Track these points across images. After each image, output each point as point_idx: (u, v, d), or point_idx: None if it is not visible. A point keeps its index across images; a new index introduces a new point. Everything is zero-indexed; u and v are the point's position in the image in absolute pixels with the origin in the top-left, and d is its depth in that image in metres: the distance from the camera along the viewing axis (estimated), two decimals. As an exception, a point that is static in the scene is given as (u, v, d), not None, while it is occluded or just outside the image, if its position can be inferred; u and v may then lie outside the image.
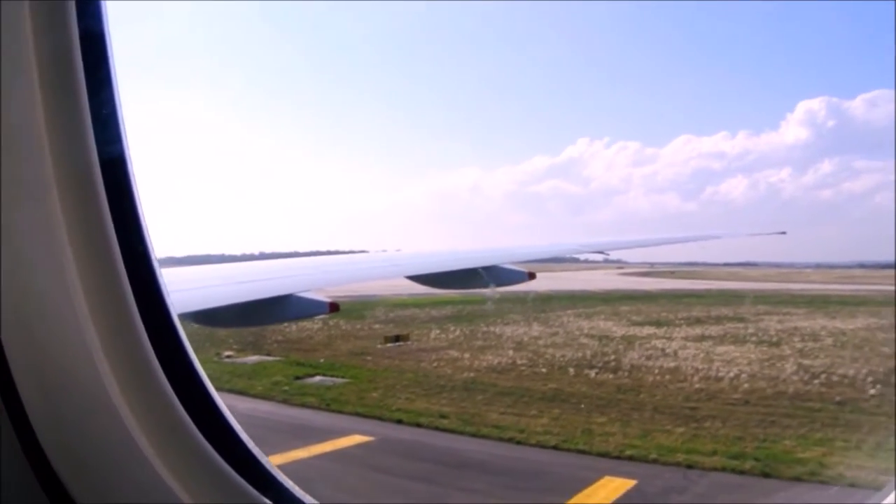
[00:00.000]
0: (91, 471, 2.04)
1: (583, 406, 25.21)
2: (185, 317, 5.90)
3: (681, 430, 22.23)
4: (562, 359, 33.43)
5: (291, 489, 2.41)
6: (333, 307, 7.61)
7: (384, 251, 15.22)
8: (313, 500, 2.47)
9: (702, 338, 40.33)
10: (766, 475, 18.40)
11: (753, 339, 40.15)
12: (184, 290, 6.61)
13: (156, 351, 2.03)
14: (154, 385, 2.03)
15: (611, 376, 29.86)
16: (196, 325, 6.96)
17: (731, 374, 29.85)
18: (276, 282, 8.17)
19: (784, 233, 22.30)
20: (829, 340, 39.50)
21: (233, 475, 2.16)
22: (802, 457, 19.50)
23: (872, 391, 26.99)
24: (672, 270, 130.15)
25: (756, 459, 19.32)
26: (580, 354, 34.52)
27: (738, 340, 39.47)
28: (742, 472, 18.58)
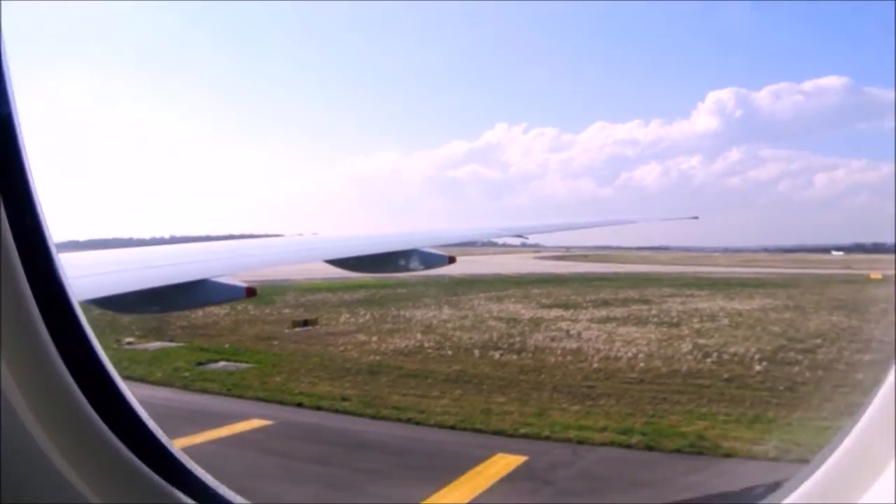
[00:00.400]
0: None
1: (484, 387, 25.68)
2: (89, 303, 5.78)
3: (576, 408, 22.96)
4: (468, 341, 33.96)
5: (206, 480, 2.29)
6: (250, 292, 7.42)
7: (300, 235, 15.07)
8: (229, 491, 2.37)
9: (606, 319, 41.61)
10: (650, 448, 19.22)
11: (655, 320, 41.69)
12: (90, 276, 6.36)
13: (56, 340, 1.87)
14: (54, 377, 1.87)
15: (514, 357, 30.52)
16: (98, 311, 6.61)
17: (630, 354, 30.92)
18: (189, 266, 8.00)
19: (696, 218, 22.91)
20: (726, 321, 41.33)
21: (144, 470, 2.03)
22: (685, 430, 20.44)
23: (758, 367, 28.44)
24: (586, 254, 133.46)
25: (643, 434, 20.15)
26: (487, 337, 35.16)
27: (641, 322, 40.89)
28: (628, 447, 19.35)
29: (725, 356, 30.64)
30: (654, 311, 45.60)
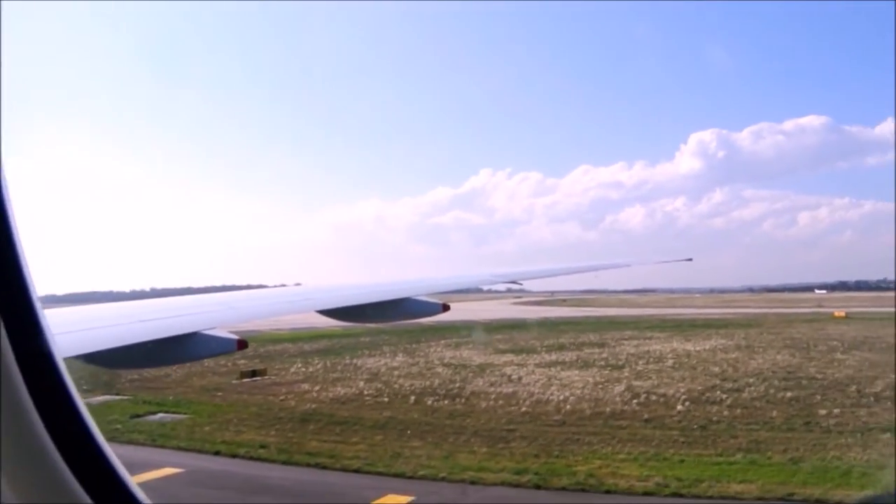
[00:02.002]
0: None
1: (408, 432, 26.51)
2: (78, 359, 5.76)
3: (484, 450, 23.83)
4: (409, 388, 34.90)
5: None
6: (242, 345, 7.30)
7: (283, 286, 14.76)
8: None
9: (553, 364, 42.57)
10: (538, 487, 20.14)
11: (601, 363, 42.67)
12: (80, 331, 6.42)
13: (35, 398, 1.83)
14: (38, 445, 1.85)
15: (446, 403, 31.41)
16: (92, 367, 6.64)
17: (561, 398, 31.83)
18: (180, 319, 7.86)
19: (690, 259, 23.30)
20: (670, 362, 42.30)
21: None
22: (578, 469, 21.32)
23: (680, 407, 29.35)
24: (565, 299, 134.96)
25: (536, 474, 21.04)
26: (428, 383, 36.08)
27: (587, 365, 41.85)
28: (517, 486, 20.28)
29: (653, 397, 31.59)
30: (605, 355, 46.64)
